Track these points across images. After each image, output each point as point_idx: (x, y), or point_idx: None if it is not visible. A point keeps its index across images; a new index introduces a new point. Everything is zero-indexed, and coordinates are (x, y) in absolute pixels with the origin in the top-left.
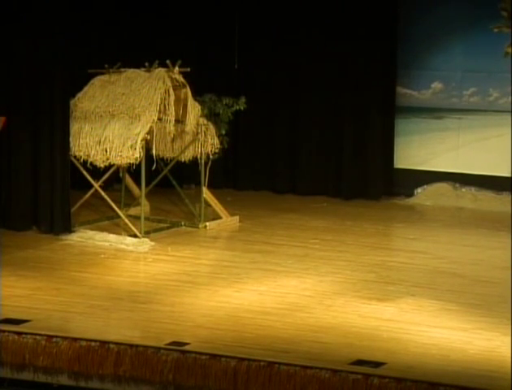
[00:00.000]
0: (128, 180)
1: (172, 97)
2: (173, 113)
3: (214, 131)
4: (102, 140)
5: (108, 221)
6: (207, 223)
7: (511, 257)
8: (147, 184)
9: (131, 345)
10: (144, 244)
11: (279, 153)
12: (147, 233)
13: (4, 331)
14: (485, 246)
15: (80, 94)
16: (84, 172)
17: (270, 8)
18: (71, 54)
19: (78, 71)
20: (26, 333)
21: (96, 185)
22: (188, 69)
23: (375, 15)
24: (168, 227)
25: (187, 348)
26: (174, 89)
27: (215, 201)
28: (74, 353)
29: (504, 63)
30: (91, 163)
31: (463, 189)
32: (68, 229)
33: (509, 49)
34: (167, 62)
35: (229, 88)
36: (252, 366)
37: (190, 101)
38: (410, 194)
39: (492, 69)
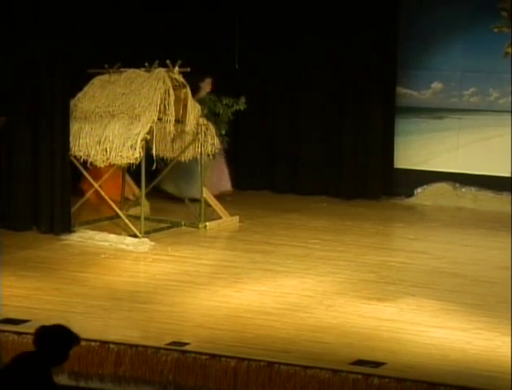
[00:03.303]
0: (128, 180)
1: (172, 97)
2: (173, 113)
3: (214, 131)
4: (102, 140)
5: (108, 221)
6: (207, 223)
7: (511, 257)
8: (147, 184)
9: (131, 345)
10: (144, 244)
11: (279, 153)
12: (147, 233)
13: (4, 331)
14: (485, 246)
15: (80, 94)
16: (84, 172)
17: (270, 8)
18: (71, 54)
19: (78, 71)
20: (26, 333)
21: (96, 185)
22: (188, 69)
23: (375, 14)
24: (168, 227)
25: (187, 348)
26: (174, 89)
27: (215, 201)
28: (74, 353)
29: (504, 63)
30: (91, 163)
31: (463, 189)
32: (68, 229)
33: (509, 49)
34: (167, 62)
35: (229, 88)
36: (252, 366)
37: (190, 101)
38: (410, 194)
39: (492, 69)
